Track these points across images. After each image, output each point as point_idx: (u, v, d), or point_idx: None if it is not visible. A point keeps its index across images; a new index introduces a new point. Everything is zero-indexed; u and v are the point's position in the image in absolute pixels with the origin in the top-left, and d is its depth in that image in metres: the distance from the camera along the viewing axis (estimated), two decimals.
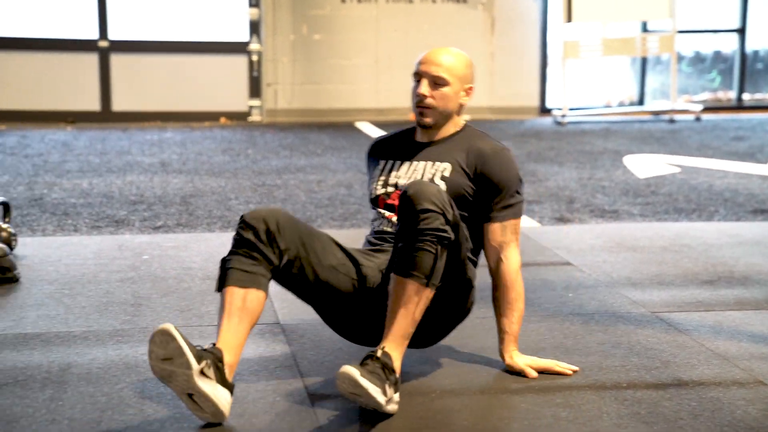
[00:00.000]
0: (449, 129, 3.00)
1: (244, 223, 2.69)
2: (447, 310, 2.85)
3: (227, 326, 2.60)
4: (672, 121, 10.17)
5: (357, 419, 2.60)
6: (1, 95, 9.69)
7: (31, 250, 4.44)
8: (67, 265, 4.22)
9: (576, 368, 2.94)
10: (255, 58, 10.15)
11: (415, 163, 2.98)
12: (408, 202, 2.63)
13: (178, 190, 6.14)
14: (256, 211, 2.71)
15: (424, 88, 2.93)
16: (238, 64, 10.17)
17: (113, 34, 9.92)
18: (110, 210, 5.52)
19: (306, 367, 2.99)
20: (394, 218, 2.91)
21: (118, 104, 9.95)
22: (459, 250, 2.73)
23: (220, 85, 10.15)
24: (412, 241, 2.61)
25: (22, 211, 5.42)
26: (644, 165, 7.29)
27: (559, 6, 10.09)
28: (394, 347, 2.60)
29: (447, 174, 2.91)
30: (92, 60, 9.86)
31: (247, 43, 10.16)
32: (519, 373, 2.89)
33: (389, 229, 2.93)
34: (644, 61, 11.11)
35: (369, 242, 2.99)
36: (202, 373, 2.45)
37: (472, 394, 2.77)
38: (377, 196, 3.00)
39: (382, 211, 2.97)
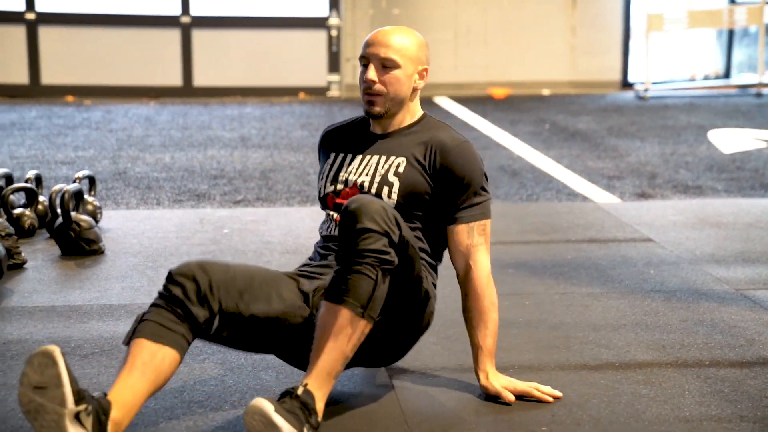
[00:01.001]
0: (404, 119, 2.65)
1: (171, 279, 2.31)
2: (403, 328, 2.50)
3: (125, 380, 2.18)
4: (759, 95, 9.90)
5: (433, 389, 2.60)
6: (86, 71, 9.89)
7: (116, 223, 4.54)
8: (150, 238, 4.30)
9: (559, 394, 2.55)
10: (334, 33, 10.17)
11: (367, 157, 2.63)
12: (348, 219, 2.30)
13: (257, 165, 6.21)
14: (186, 266, 2.32)
15: (372, 72, 2.58)
16: (318, 39, 10.21)
17: (195, 10, 10.04)
18: (192, 184, 5.61)
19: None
20: None
21: (200, 79, 10.07)
22: (411, 269, 2.40)
23: (300, 60, 10.20)
24: (350, 263, 2.27)
25: (106, 185, 5.54)
26: (729, 140, 7.12)
27: None
28: (317, 385, 2.25)
29: (401, 170, 2.57)
30: (174, 36, 10.00)
31: (326, 18, 10.18)
32: (495, 397, 2.52)
33: (336, 233, 2.57)
34: (731, 34, 10.82)
35: (317, 253, 2.65)
36: (77, 417, 2.03)
37: (551, 370, 2.75)
38: (326, 195, 2.65)
39: (332, 212, 2.63)
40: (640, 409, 2.48)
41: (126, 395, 2.17)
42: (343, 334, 2.26)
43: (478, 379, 2.57)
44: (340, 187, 2.63)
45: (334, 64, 10.23)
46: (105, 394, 2.15)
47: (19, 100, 9.53)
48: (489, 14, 10.24)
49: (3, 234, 3.72)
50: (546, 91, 10.43)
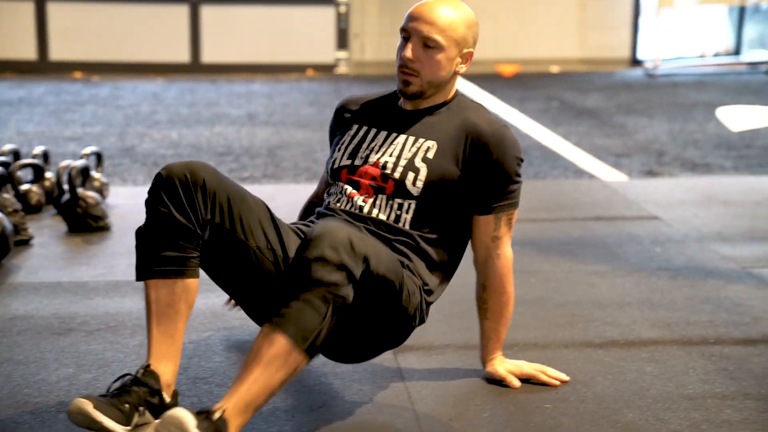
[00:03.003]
0: (439, 97, 2.44)
1: (160, 186, 2.20)
2: (387, 336, 2.33)
3: (157, 332, 2.20)
4: None
5: (438, 367, 2.61)
6: (94, 47, 9.89)
7: (122, 200, 4.55)
8: None
9: (566, 378, 2.51)
10: (343, 9, 10.13)
11: (394, 135, 2.43)
12: (308, 243, 2.05)
13: (264, 142, 6.20)
14: (174, 170, 2.19)
15: (410, 50, 2.36)
16: (326, 15, 10.17)
17: None
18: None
19: None
20: (358, 199, 2.39)
21: (208, 56, 10.06)
22: (390, 302, 2.21)
23: (307, 37, 10.18)
24: (299, 290, 2.02)
25: (113, 161, 5.54)
26: (739, 117, 7.08)
27: None
28: (235, 414, 2.01)
29: (430, 155, 2.38)
30: (182, 12, 9.98)
31: None
32: (499, 382, 2.48)
33: (348, 208, 2.40)
34: (742, 10, 10.74)
35: (317, 215, 2.48)
36: (136, 427, 2.11)
37: (556, 348, 2.75)
38: (339, 168, 2.45)
39: (345, 186, 2.43)
40: (644, 386, 2.48)
41: (164, 352, 2.19)
42: (276, 363, 2.01)
43: (484, 365, 2.53)
44: (357, 162, 2.42)
45: (342, 41, 10.20)
46: (149, 366, 2.18)
47: (27, 76, 9.53)
48: None
49: (10, 210, 3.73)
50: (555, 69, 10.38)
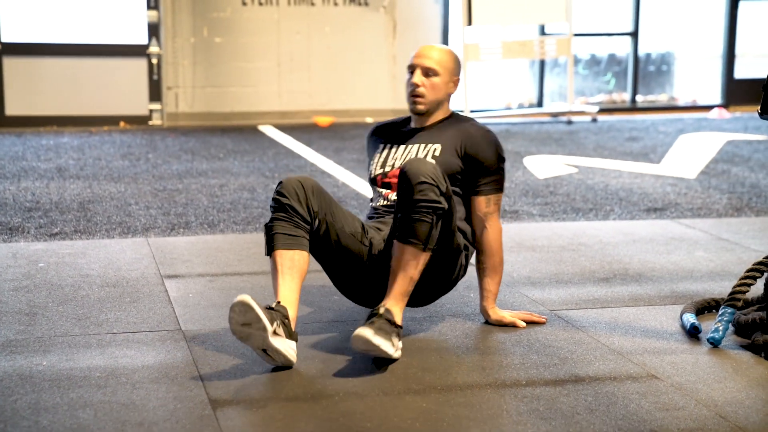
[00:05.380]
0: (439, 115, 3.43)
1: (282, 188, 3.10)
2: (439, 274, 3.23)
3: (283, 284, 3.02)
4: (570, 122, 10.39)
5: (259, 423, 2.59)
6: None
7: None
8: None
9: (542, 319, 3.47)
10: (155, 61, 10.00)
11: (409, 146, 3.40)
12: (405, 177, 3.00)
13: (75, 196, 6.01)
14: (291, 179, 3.12)
15: (417, 77, 3.36)
16: (138, 67, 10.01)
17: (6, 36, 9.65)
18: (3, 217, 5.37)
19: (208, 373, 2.96)
20: (391, 195, 3.36)
21: (12, 108, 9.68)
22: (450, 220, 3.11)
23: (120, 89, 9.97)
24: (410, 211, 2.99)
25: None
26: (543, 166, 7.43)
27: (460, 9, 10.21)
28: (394, 303, 3.00)
29: (437, 153, 3.33)
30: None
31: (146, 46, 10.00)
32: (506, 326, 3.39)
33: (385, 204, 3.37)
34: (542, 64, 11.32)
35: (369, 218, 3.40)
36: (274, 332, 2.86)
37: (375, 396, 2.78)
38: (375, 176, 3.42)
39: (380, 189, 3.41)
40: (460, 431, 2.54)
41: (289, 295, 3.02)
42: (411, 265, 3.01)
43: (488, 315, 3.43)
44: (387, 169, 3.40)
45: (155, 93, 10.05)
46: (279, 302, 2.97)
47: None
48: (312, 43, 10.32)
49: None
50: (369, 119, 10.59)
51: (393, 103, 10.66)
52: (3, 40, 9.62)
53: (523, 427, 2.57)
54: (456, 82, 3.43)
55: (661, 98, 11.99)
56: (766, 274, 3.34)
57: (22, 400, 2.72)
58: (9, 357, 3.09)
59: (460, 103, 10.49)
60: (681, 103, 11.90)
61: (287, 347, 2.92)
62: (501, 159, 3.37)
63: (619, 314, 3.64)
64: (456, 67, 3.43)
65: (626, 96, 11.69)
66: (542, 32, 10.91)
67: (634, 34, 11.38)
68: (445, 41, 10.85)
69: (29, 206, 5.68)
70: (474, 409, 2.69)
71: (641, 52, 11.68)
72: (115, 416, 2.61)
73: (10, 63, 9.63)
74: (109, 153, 7.91)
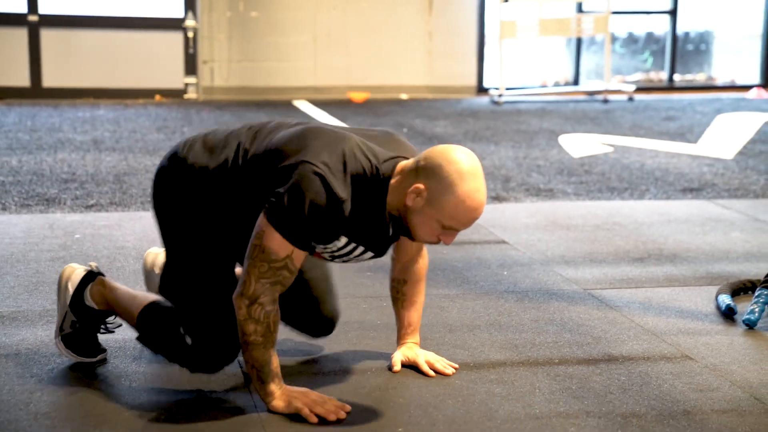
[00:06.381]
0: None
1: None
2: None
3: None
4: (606, 101, 10.30)
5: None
6: None
7: None
8: None
9: (455, 366, 2.83)
10: (191, 34, 10.03)
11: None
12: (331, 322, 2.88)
13: (111, 168, 6.05)
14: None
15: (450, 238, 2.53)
16: (174, 40, 10.04)
17: (43, 7, 9.71)
18: (41, 188, 5.43)
19: None
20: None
21: (49, 80, 9.76)
22: None
23: (156, 62, 10.01)
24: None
25: None
26: (578, 144, 7.37)
27: None
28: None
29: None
30: (21, 34, 9.65)
31: (182, 20, 10.03)
32: (413, 367, 2.79)
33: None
34: (579, 42, 11.22)
35: None
36: None
37: (407, 371, 2.78)
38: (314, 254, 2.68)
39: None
40: (493, 407, 2.54)
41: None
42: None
43: (411, 350, 2.83)
44: (329, 259, 2.68)
45: (191, 67, 10.09)
46: None
47: None
48: (348, 18, 10.30)
49: None
50: (404, 96, 10.56)
51: (429, 79, 10.62)
52: (40, 12, 9.69)
53: (555, 405, 2.57)
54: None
55: (699, 77, 11.86)
56: None
57: (57, 369, 2.75)
58: (46, 326, 3.12)
59: (495, 80, 10.43)
60: (719, 82, 11.76)
61: None
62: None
63: (653, 294, 3.61)
64: None
65: (663, 75, 11.57)
66: (579, 9, 10.80)
67: (673, 12, 11.24)
68: (481, 18, 10.79)
69: (66, 177, 5.73)
70: (506, 386, 2.69)
71: (679, 31, 11.55)
72: (149, 386, 2.64)
73: (47, 35, 9.70)
74: (144, 126, 7.95)
